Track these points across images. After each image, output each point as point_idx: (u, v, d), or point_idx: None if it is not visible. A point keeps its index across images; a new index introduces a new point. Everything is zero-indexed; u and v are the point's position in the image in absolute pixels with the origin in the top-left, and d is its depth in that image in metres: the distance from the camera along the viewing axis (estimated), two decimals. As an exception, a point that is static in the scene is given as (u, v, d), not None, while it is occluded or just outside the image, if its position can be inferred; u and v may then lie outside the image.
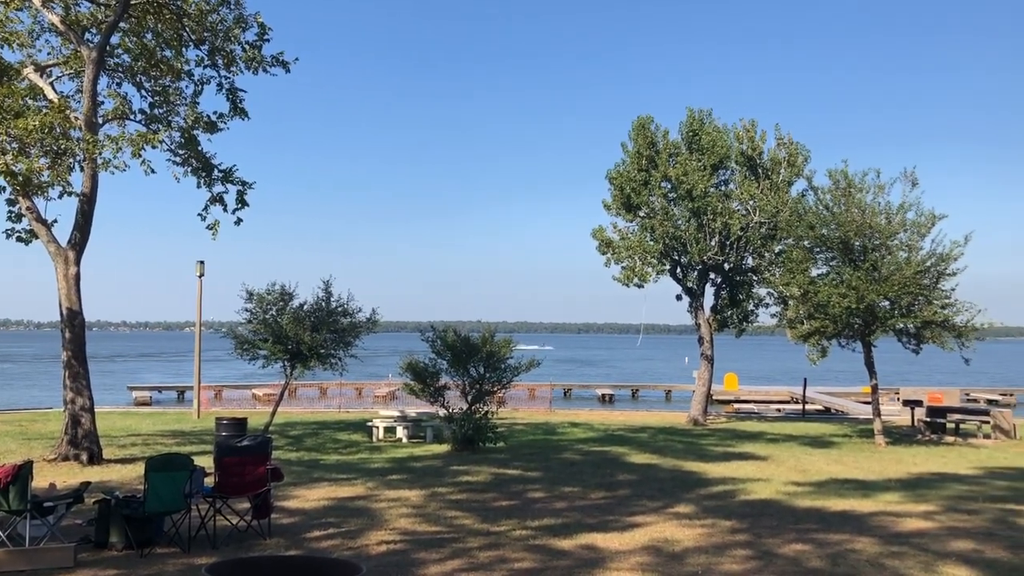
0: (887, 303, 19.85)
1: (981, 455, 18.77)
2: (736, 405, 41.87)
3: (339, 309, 21.07)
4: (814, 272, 21.34)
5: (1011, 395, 48.83)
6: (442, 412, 19.19)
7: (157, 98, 19.61)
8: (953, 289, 19.97)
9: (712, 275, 28.39)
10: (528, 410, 34.16)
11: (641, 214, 27.68)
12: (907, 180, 20.02)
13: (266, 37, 18.83)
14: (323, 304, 21.00)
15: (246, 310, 20.96)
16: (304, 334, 20.00)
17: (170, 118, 19.56)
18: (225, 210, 19.64)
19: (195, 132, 19.34)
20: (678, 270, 28.17)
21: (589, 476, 14.54)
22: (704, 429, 25.47)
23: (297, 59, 19.58)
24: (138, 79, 19.30)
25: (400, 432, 21.20)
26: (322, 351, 20.59)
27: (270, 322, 20.47)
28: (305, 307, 20.93)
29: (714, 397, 38.71)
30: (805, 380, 37.48)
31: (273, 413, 22.66)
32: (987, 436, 22.79)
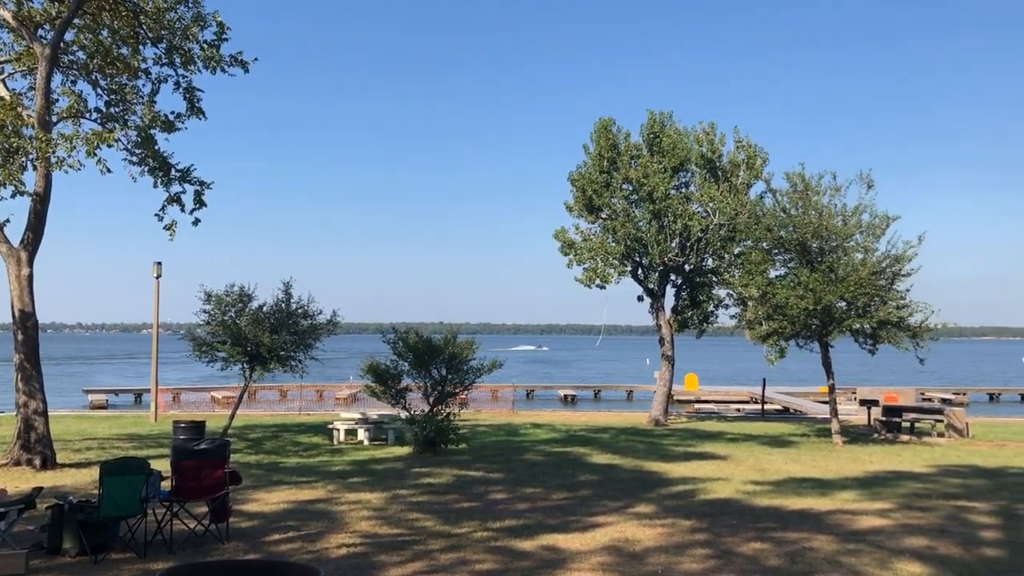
0: (844, 304, 20.16)
1: (935, 453, 19.12)
2: (696, 405, 42.27)
3: (299, 311, 20.91)
4: (772, 274, 21.60)
5: (964, 394, 49.88)
6: (404, 414, 19.10)
7: (113, 96, 19.27)
8: (908, 290, 20.36)
9: (673, 276, 28.62)
10: (491, 411, 34.15)
11: (603, 216, 27.82)
12: (863, 182, 20.36)
13: (225, 36, 18.60)
14: (283, 306, 20.82)
15: (204, 312, 20.71)
16: (263, 336, 19.81)
17: (126, 117, 19.23)
18: (183, 210, 19.37)
19: (152, 131, 19.04)
20: (639, 271, 28.35)
21: (551, 477, 14.57)
22: (665, 429, 25.65)
23: (256, 59, 19.36)
24: (93, 77, 18.94)
25: (361, 434, 21.07)
26: (282, 353, 20.43)
27: (229, 324, 20.25)
28: (264, 309, 20.73)
29: (675, 397, 38.99)
30: (764, 380, 37.92)
31: (232, 416, 22.41)
32: (941, 435, 23.22)
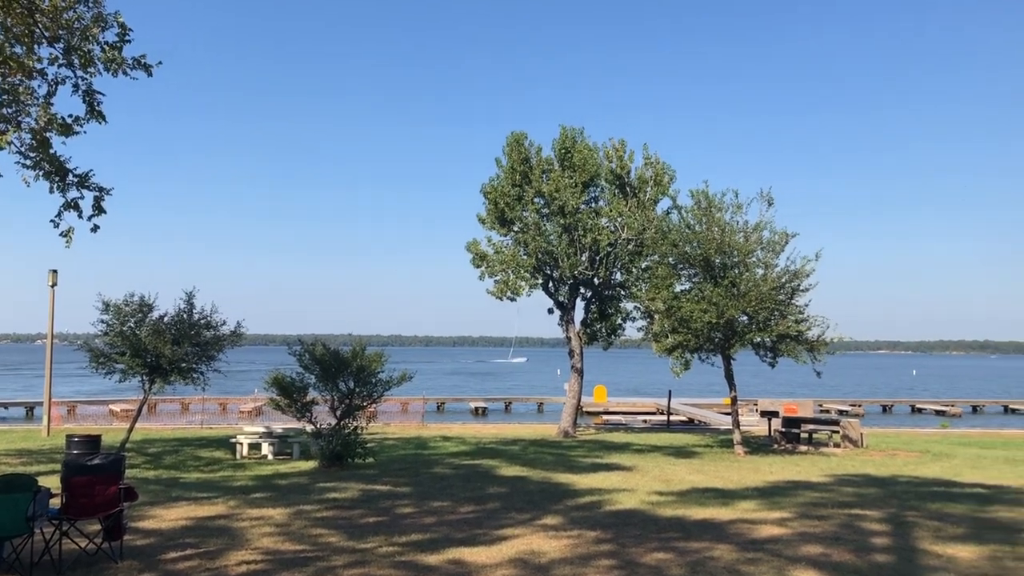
0: (745, 318, 20.76)
1: (832, 463, 19.80)
2: (605, 417, 42.84)
3: (202, 321, 20.42)
4: (678, 288, 22.11)
5: (859, 406, 51.96)
6: (310, 428, 18.77)
7: (5, 97, 18.42)
8: (806, 304, 21.10)
9: (582, 290, 28.98)
10: (400, 424, 33.88)
11: (515, 229, 27.99)
12: (763, 200, 21.04)
13: (127, 38, 18.00)
14: (185, 316, 20.30)
15: (102, 322, 20.05)
16: (164, 347, 19.27)
17: (20, 118, 18.40)
18: (80, 216, 18.63)
19: (48, 134, 18.27)
20: (550, 284, 28.61)
21: (459, 490, 14.52)
22: (574, 441, 25.89)
23: (160, 63, 18.81)
24: (-17, 76, 18.08)
25: (265, 449, 20.63)
26: (183, 365, 19.93)
27: (128, 334, 19.65)
28: (166, 319, 20.17)
29: (584, 409, 39.43)
30: (670, 392, 38.70)
31: (130, 430, 21.66)
32: (837, 445, 24.08)
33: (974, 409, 53.78)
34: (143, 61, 18.64)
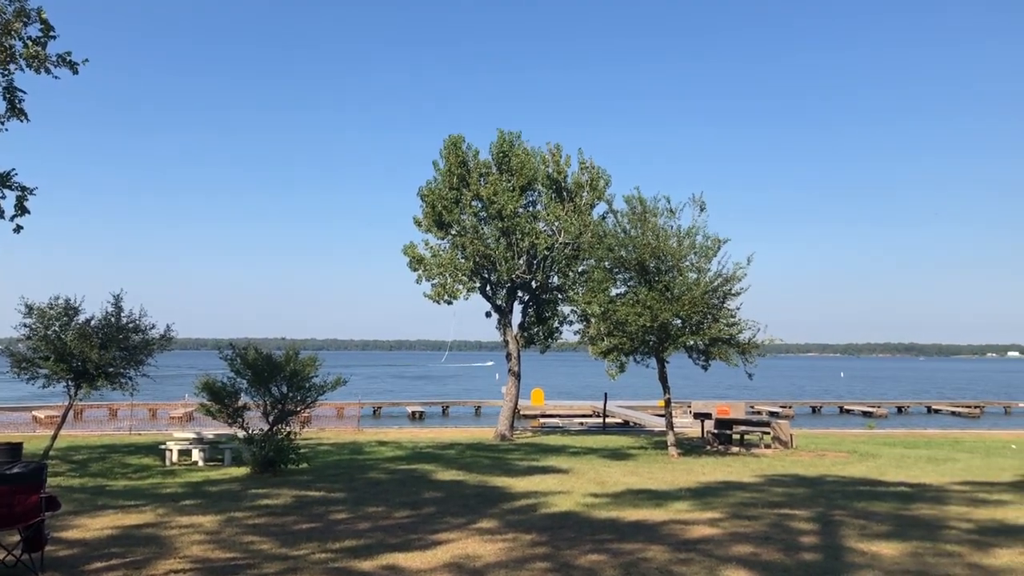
0: (679, 321, 21.04)
1: (762, 464, 20.18)
2: (542, 419, 43.01)
3: (130, 325, 19.94)
4: (614, 292, 22.31)
5: (790, 407, 53.11)
6: (241, 433, 18.45)
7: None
8: (738, 308, 21.47)
9: (520, 293, 29.07)
10: (335, 429, 33.50)
11: (452, 232, 27.95)
12: (695, 205, 21.35)
13: (52, 35, 17.48)
14: (112, 320, 19.79)
15: (25, 325, 19.42)
16: (91, 352, 18.76)
17: (-66, 115, 17.72)
18: (2, 217, 18.01)
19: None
20: (488, 288, 28.63)
21: (394, 495, 14.42)
22: (511, 444, 25.93)
23: (87, 60, 18.32)
24: None
25: (196, 455, 20.21)
26: (111, 370, 19.44)
27: (52, 338, 19.08)
28: (92, 323, 19.63)
29: (521, 412, 39.54)
30: (606, 395, 39.04)
31: (54, 437, 21.00)
32: (768, 446, 24.56)
33: (899, 410, 55.42)
34: (68, 58, 18.15)
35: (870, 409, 53.03)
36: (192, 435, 21.56)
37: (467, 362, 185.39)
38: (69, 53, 18.13)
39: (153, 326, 20.39)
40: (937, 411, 54.86)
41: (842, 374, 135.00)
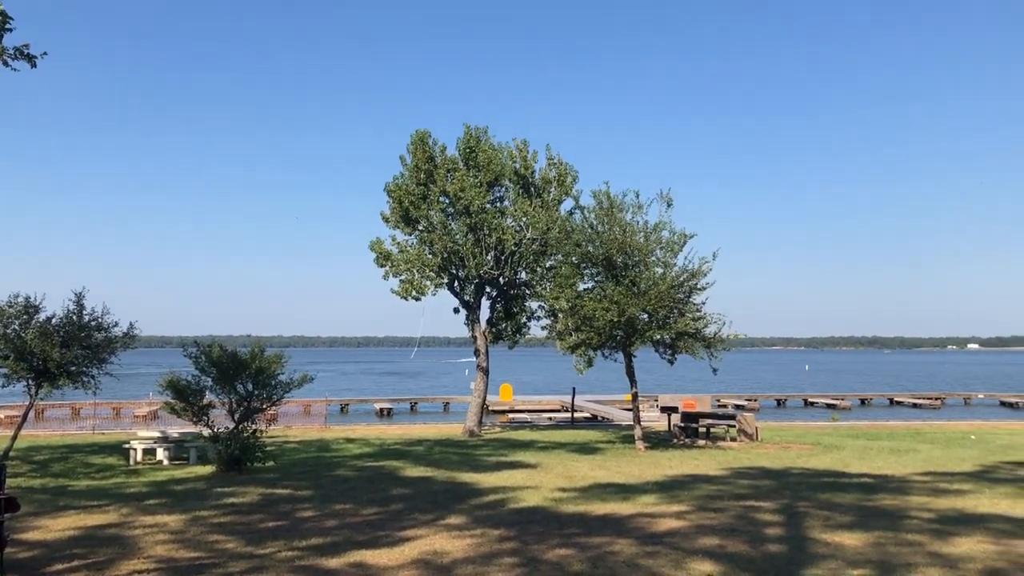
0: (646, 316, 21.16)
1: (728, 456, 20.38)
2: (510, 415, 43.09)
3: (92, 323, 19.67)
4: (581, 287, 22.37)
5: (755, 400, 53.71)
6: (207, 432, 18.26)
7: None
8: (704, 303, 21.64)
9: (488, 289, 29.04)
10: (302, 427, 33.29)
11: (420, 227, 27.85)
12: (663, 201, 21.48)
13: (8, 27, 17.14)
14: (74, 318, 19.52)
15: (-18, 324, 19.05)
16: (52, 350, 18.50)
17: None
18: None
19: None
20: (456, 284, 28.58)
21: (362, 492, 14.36)
22: (479, 440, 25.93)
23: (46, 53, 17.99)
24: None
25: (161, 454, 20.00)
26: (72, 368, 19.18)
27: (12, 337, 18.79)
28: (54, 321, 19.34)
29: (489, 407, 39.58)
30: (574, 389, 39.20)
31: (14, 437, 20.66)
32: (734, 439, 24.81)
33: (862, 402, 56.24)
34: (26, 51, 17.80)
35: (834, 402, 53.75)
36: (157, 434, 21.32)
37: (440, 358, 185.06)
38: (27, 45, 17.82)
39: (116, 324, 20.17)
40: (899, 403, 55.71)
41: (807, 367, 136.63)
